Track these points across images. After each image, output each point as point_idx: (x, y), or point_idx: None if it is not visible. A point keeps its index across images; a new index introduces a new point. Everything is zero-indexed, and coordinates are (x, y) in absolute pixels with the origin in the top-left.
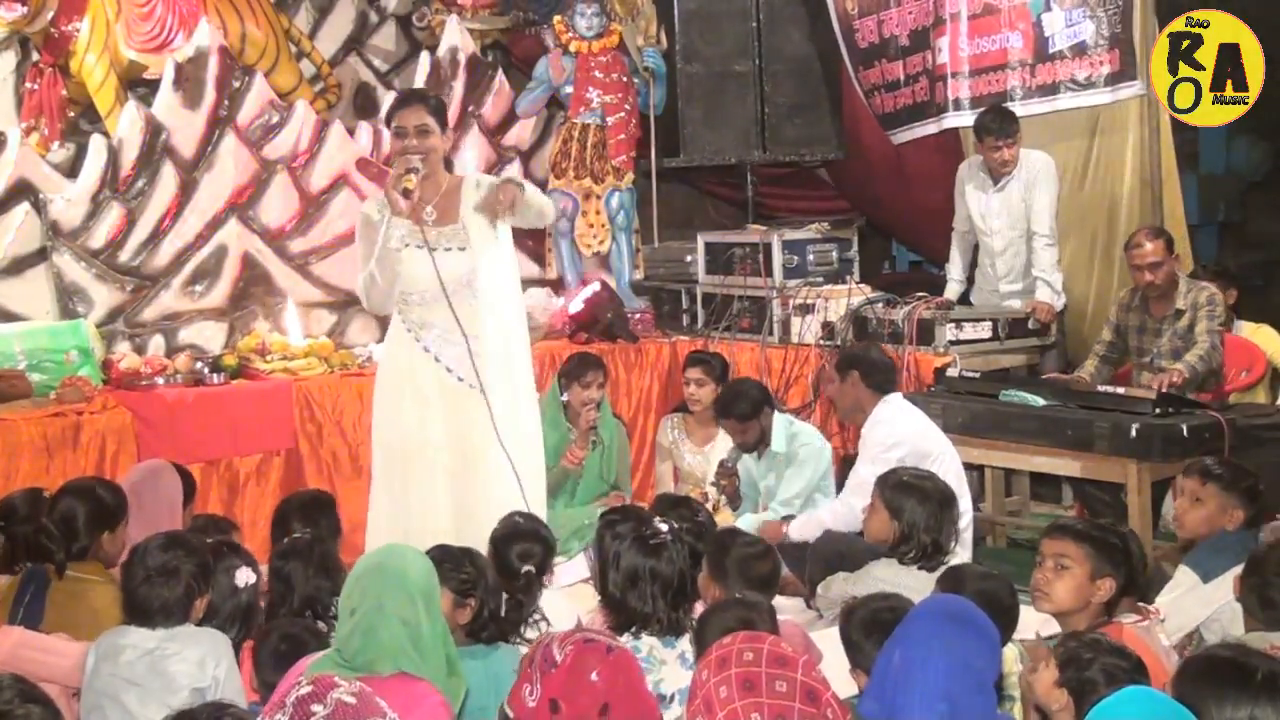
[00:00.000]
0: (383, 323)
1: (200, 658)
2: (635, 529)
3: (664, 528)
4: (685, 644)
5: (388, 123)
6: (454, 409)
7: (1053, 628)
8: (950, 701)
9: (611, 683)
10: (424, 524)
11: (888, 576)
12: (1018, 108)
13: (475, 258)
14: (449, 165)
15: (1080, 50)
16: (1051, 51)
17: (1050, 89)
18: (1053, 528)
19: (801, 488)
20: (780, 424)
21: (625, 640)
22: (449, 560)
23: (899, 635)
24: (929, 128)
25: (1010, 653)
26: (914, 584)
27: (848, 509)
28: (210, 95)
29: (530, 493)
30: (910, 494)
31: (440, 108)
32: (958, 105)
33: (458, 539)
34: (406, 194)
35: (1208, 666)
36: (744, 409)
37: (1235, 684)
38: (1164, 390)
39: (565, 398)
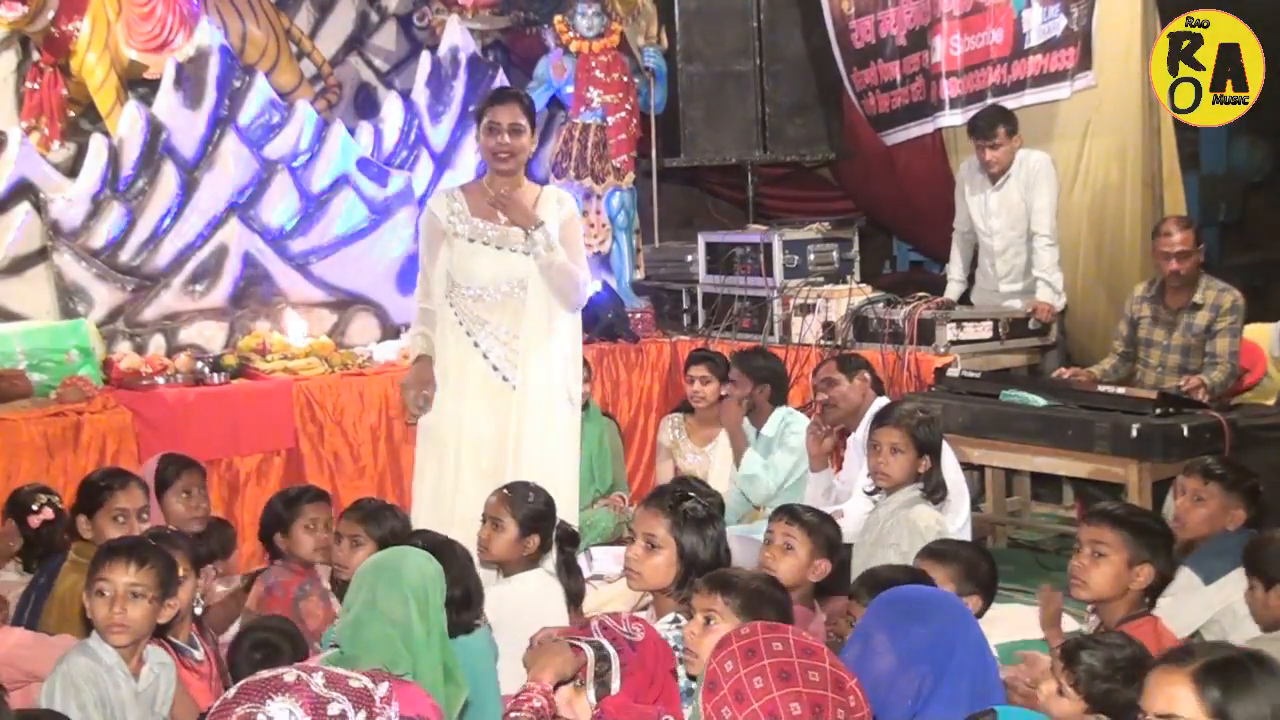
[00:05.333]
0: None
1: None
2: (673, 502)
3: (699, 504)
4: None
5: (479, 117)
6: (496, 407)
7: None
8: (916, 700)
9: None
10: (466, 519)
11: (932, 524)
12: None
13: (528, 263)
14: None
15: (1051, 46)
16: (1027, 47)
17: (1020, 84)
18: (1091, 513)
19: (790, 468)
20: (777, 413)
21: (666, 630)
22: (432, 549)
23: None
24: (925, 127)
25: None
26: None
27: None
28: (211, 95)
29: (563, 493)
30: (939, 429)
31: (532, 108)
32: (951, 104)
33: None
34: None
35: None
36: (759, 364)
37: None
38: (1186, 393)
39: None
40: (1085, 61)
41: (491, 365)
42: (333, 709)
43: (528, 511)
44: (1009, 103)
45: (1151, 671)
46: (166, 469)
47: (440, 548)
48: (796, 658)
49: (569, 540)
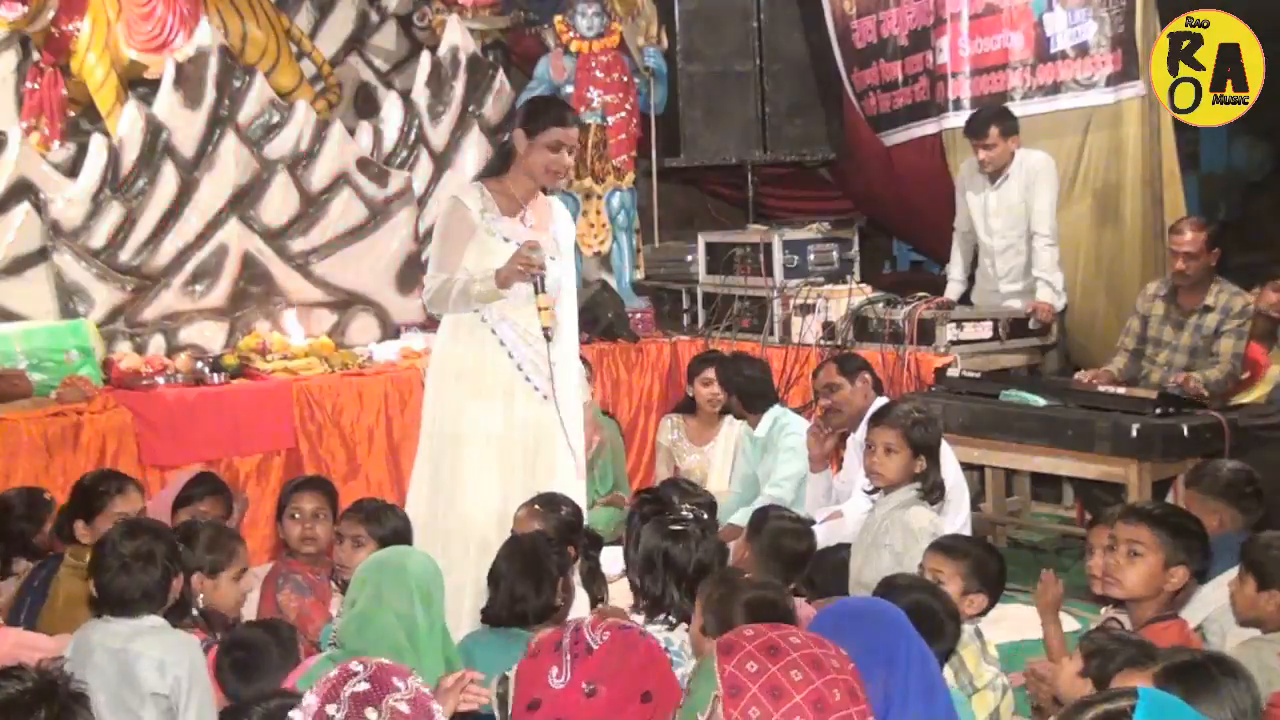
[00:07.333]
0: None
1: (160, 660)
2: (658, 512)
3: (688, 514)
4: None
5: (537, 131)
6: (519, 406)
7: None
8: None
9: (649, 670)
10: (465, 515)
11: (927, 525)
12: (1017, 107)
13: (558, 269)
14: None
15: (1083, 50)
16: (1053, 51)
17: (1051, 89)
18: (1128, 512)
19: (794, 471)
20: (769, 414)
21: (658, 631)
22: None
23: None
24: (928, 127)
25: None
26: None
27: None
28: (210, 95)
29: (578, 494)
30: (935, 430)
31: None
32: (958, 105)
33: (500, 532)
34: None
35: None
36: (729, 373)
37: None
38: (1182, 391)
39: None
40: (1131, 70)
41: (516, 365)
42: None
43: (560, 524)
44: (1040, 106)
45: (1117, 674)
46: (195, 489)
47: None
48: (815, 648)
49: (593, 545)
